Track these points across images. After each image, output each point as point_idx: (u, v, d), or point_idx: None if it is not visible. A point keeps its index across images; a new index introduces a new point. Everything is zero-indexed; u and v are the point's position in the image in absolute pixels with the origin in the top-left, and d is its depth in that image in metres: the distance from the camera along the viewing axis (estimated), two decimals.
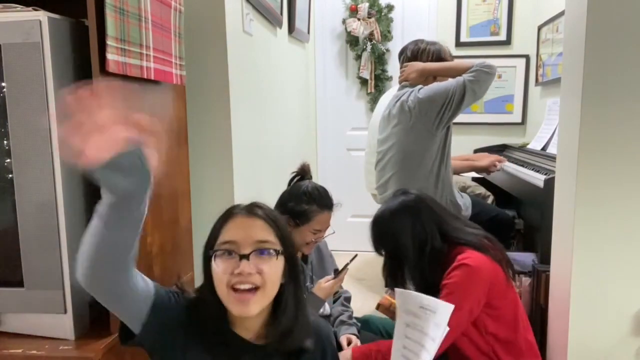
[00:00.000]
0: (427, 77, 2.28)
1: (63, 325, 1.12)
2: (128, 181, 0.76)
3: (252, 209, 0.99)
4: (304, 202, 1.58)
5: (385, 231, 1.55)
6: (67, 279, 1.10)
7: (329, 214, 1.63)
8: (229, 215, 0.99)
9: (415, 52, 2.33)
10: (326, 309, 1.72)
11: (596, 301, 1.50)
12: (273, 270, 0.95)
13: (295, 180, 1.71)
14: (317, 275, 1.72)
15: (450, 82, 2.13)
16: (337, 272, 1.62)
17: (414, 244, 1.48)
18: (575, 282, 1.48)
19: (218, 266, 0.93)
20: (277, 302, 0.99)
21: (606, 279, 1.49)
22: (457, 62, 2.28)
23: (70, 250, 1.09)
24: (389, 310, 1.67)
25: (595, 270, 1.49)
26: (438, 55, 2.31)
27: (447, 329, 1.21)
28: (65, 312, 1.11)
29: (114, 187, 0.77)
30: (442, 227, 1.51)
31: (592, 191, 1.46)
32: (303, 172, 1.71)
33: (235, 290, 0.92)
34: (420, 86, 2.19)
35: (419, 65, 2.27)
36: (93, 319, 1.18)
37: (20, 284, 1.10)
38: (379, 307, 1.69)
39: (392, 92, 2.89)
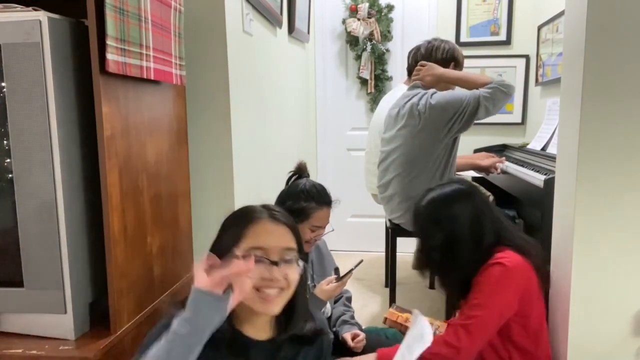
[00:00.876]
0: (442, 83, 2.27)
1: (63, 325, 1.12)
2: (214, 316, 0.85)
3: (274, 215, 1.04)
4: (302, 199, 1.59)
5: (439, 217, 1.44)
6: (67, 279, 1.10)
7: (328, 210, 1.63)
8: (252, 219, 1.02)
9: (429, 50, 2.30)
10: (327, 309, 1.72)
11: (596, 301, 1.50)
12: (295, 275, 1.01)
13: (293, 179, 1.71)
14: (317, 274, 1.72)
15: (465, 93, 2.11)
16: (341, 276, 1.61)
17: (472, 233, 1.41)
18: (575, 282, 1.48)
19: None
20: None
21: (606, 279, 1.49)
22: (475, 75, 2.25)
23: (70, 250, 1.09)
24: (396, 323, 1.66)
25: (595, 270, 1.49)
26: (452, 54, 2.29)
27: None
28: (65, 312, 1.11)
29: (201, 317, 0.84)
30: (495, 222, 1.45)
31: (592, 191, 1.46)
32: (300, 171, 1.71)
33: (261, 291, 0.97)
34: (433, 90, 2.17)
35: (437, 70, 2.24)
36: (93, 319, 1.18)
37: (20, 284, 1.10)
38: (385, 321, 1.68)
39: (394, 92, 2.89)
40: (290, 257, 1.00)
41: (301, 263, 1.03)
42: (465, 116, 2.07)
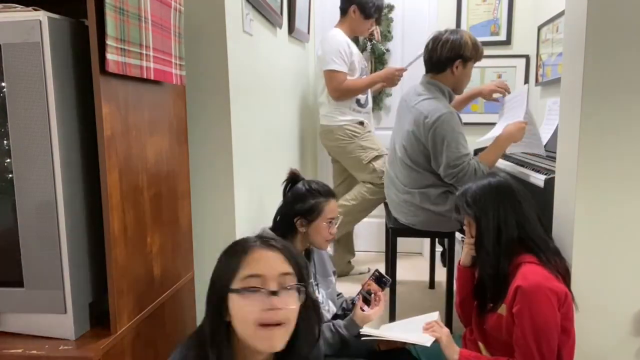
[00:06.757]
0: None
1: (63, 325, 1.12)
2: None
3: (267, 241, 1.01)
4: (309, 198, 1.64)
5: (468, 204, 1.48)
6: (67, 279, 1.10)
7: (335, 201, 1.69)
8: (245, 249, 0.99)
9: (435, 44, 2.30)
10: (331, 307, 1.73)
11: (596, 301, 1.50)
12: (295, 304, 0.97)
13: (289, 187, 1.73)
14: (319, 274, 1.73)
15: (464, 149, 2.16)
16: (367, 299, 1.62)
17: (493, 228, 1.42)
18: (576, 282, 1.48)
19: (244, 303, 0.94)
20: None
21: (606, 279, 1.49)
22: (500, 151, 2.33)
23: (70, 250, 1.09)
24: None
25: (595, 270, 1.49)
26: (457, 52, 2.29)
27: None
28: (65, 312, 1.11)
29: None
30: (523, 222, 1.44)
31: (592, 191, 1.46)
32: (294, 177, 1.74)
33: (263, 326, 0.92)
34: (445, 116, 2.17)
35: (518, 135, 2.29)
36: (93, 319, 1.18)
37: (20, 284, 1.10)
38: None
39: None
40: (289, 284, 0.96)
41: (303, 290, 0.99)
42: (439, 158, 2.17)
